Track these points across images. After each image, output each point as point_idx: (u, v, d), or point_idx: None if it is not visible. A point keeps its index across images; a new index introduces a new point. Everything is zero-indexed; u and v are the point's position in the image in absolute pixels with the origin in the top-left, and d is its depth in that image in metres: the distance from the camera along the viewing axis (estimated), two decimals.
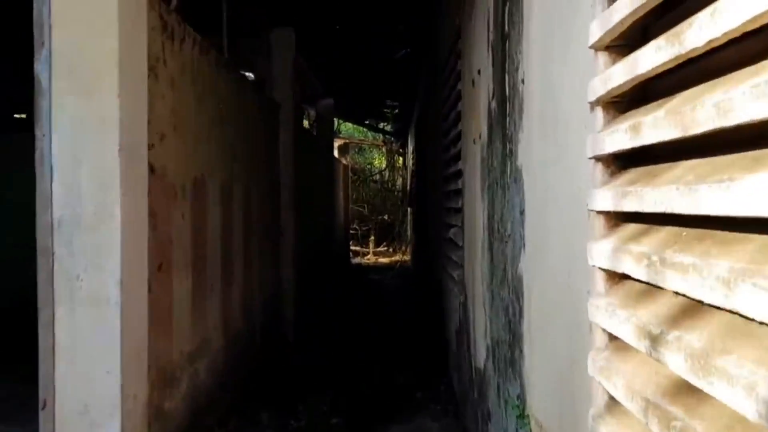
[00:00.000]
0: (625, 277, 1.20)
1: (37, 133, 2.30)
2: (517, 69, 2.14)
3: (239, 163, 4.48)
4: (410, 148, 13.02)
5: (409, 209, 13.17)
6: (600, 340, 1.30)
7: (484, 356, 2.93)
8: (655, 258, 0.98)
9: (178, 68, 3.20)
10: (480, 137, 3.00)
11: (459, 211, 3.86)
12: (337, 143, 14.78)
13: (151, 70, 2.83)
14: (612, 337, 1.24)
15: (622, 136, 1.13)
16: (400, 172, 16.90)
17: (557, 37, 1.64)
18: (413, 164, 11.07)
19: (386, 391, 4.78)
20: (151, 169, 2.85)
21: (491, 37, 2.66)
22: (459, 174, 3.89)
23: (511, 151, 2.25)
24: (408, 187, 12.86)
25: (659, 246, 1.02)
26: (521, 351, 2.10)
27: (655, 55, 1.01)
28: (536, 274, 1.89)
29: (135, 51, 2.43)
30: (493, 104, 2.62)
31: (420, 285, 8.82)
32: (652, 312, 1.04)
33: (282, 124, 6.10)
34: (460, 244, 3.79)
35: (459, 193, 3.88)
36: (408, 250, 13.76)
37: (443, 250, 4.85)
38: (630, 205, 1.07)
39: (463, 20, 3.63)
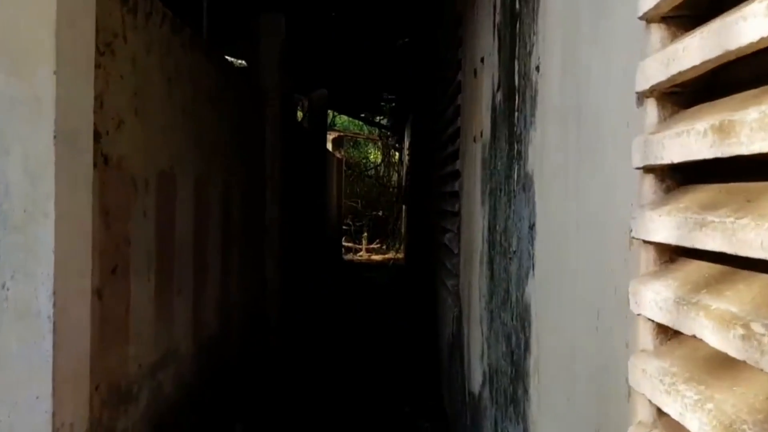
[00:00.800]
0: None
1: None
2: (529, 54, 1.79)
3: (218, 155, 4.11)
4: (406, 143, 12.66)
5: (403, 206, 12.82)
6: (645, 413, 0.95)
7: (480, 382, 2.59)
8: (760, 329, 0.64)
9: (143, 46, 2.83)
10: (481, 135, 2.65)
11: (455, 215, 3.51)
12: (331, 136, 14.41)
13: (107, 45, 2.46)
14: (662, 412, 0.90)
15: (696, 140, 0.78)
16: (396, 168, 16.54)
17: (587, 9, 1.29)
18: (408, 160, 10.72)
19: (372, 403, 4.44)
20: (104, 160, 2.48)
21: (497, 19, 2.30)
22: (456, 175, 3.54)
23: (519, 152, 1.90)
24: (403, 184, 12.50)
25: (759, 305, 0.68)
26: (526, 391, 1.75)
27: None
28: (549, 305, 1.54)
29: (80, 21, 2.06)
30: (499, 97, 2.27)
31: (413, 286, 8.48)
32: (741, 399, 0.70)
33: (269, 114, 5.73)
34: (456, 251, 3.44)
35: (456, 195, 3.53)
36: (402, 247, 13.41)
37: (437, 255, 4.50)
38: (713, 243, 0.72)
39: (464, 3, 3.28)
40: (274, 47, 5.76)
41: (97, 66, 2.37)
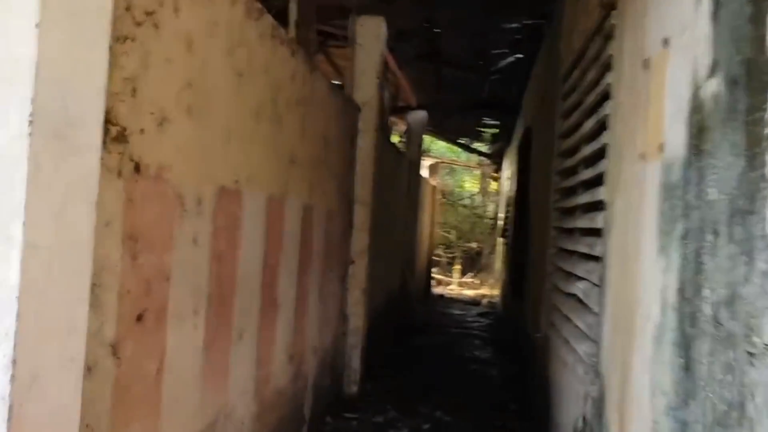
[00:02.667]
0: None
1: None
2: None
3: (298, 171, 3.46)
4: (506, 172, 11.76)
5: (501, 239, 11.88)
6: None
7: None
8: None
9: (204, 25, 2.20)
10: (660, 149, 1.82)
11: (596, 260, 2.66)
12: (427, 162, 13.73)
13: (148, 14, 1.83)
14: None
15: None
16: (492, 198, 15.60)
17: None
18: (509, 190, 9.82)
19: None
20: (135, 168, 1.84)
21: None
22: (598, 206, 2.69)
23: None
24: (503, 214, 11.58)
25: None
26: None
27: None
28: None
29: None
30: (712, 88, 1.44)
31: (509, 332, 7.54)
32: None
33: (362, 130, 5.07)
34: (596, 309, 2.58)
35: (596, 233, 2.68)
36: (496, 284, 12.42)
37: (558, 307, 3.62)
38: None
39: None
40: (373, 56, 5.12)
41: (130, 38, 1.74)
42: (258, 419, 3.06)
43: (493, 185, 15.41)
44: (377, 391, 5.29)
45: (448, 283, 14.28)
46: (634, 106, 2.17)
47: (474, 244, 15.77)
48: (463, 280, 14.77)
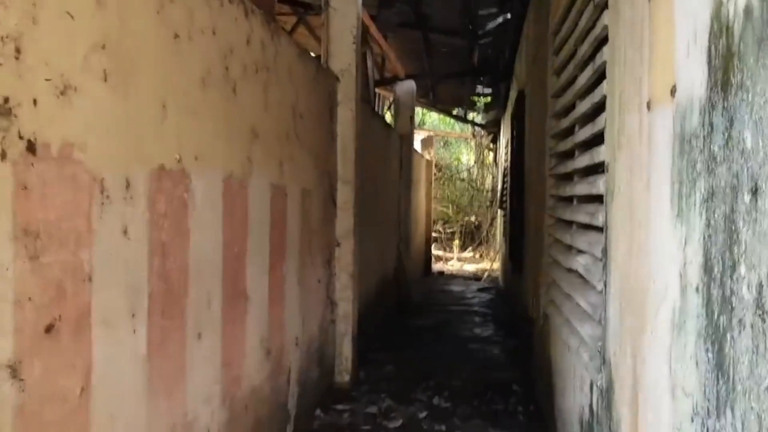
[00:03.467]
0: None
1: None
2: None
3: (262, 146, 3.10)
4: (502, 141, 11.38)
5: (499, 211, 11.54)
6: None
7: None
8: None
9: None
10: (672, 93, 1.47)
11: (598, 230, 2.32)
12: (420, 136, 13.34)
13: None
14: None
15: None
16: (490, 169, 15.22)
17: None
18: (506, 159, 9.45)
19: None
20: (29, 148, 1.50)
21: None
22: (598, 169, 2.35)
23: None
24: (499, 186, 11.24)
25: None
26: None
27: None
28: None
29: None
30: (734, 8, 1.09)
31: (511, 308, 7.23)
32: None
33: (341, 101, 4.70)
34: (600, 287, 2.25)
35: (598, 200, 2.34)
36: (497, 257, 12.11)
37: (558, 283, 3.29)
38: None
39: None
40: (349, 18, 4.73)
41: None
42: (228, 425, 2.75)
43: (490, 156, 15.03)
44: (371, 378, 4.99)
45: (448, 259, 13.97)
46: (637, 46, 1.82)
47: (473, 218, 15.42)
48: (464, 255, 14.46)
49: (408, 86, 8.72)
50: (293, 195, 3.66)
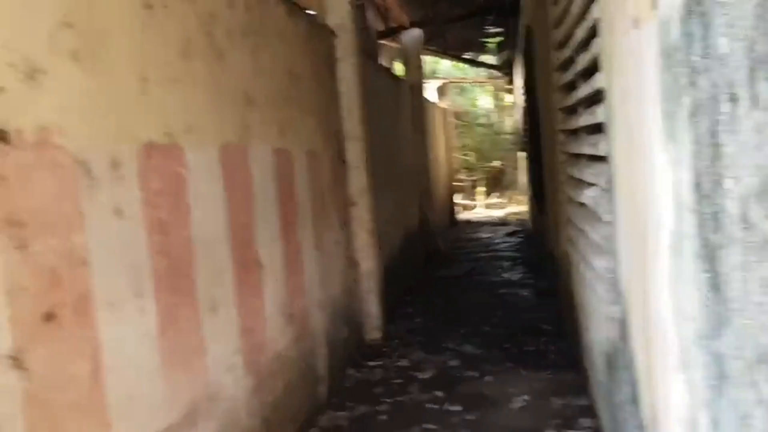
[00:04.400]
0: None
1: None
2: None
3: (258, 112, 3.06)
4: (517, 81, 11.12)
5: (522, 153, 11.37)
6: None
7: None
8: None
9: None
10: (654, 5, 1.38)
11: (601, 160, 2.24)
12: (433, 85, 13.12)
13: None
14: None
15: None
16: (509, 112, 14.94)
17: None
18: (524, 99, 9.25)
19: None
20: (1, 136, 1.48)
21: None
22: (597, 98, 2.26)
23: None
24: (520, 127, 11.03)
25: None
26: None
27: None
28: None
29: None
30: None
31: (539, 249, 7.17)
32: None
33: (340, 58, 4.61)
34: (606, 218, 2.18)
35: (599, 130, 2.26)
36: (523, 201, 11.99)
37: (570, 218, 3.23)
38: None
39: None
40: None
41: None
42: (256, 391, 2.79)
43: (508, 98, 14.74)
44: (402, 332, 5.02)
45: (473, 207, 13.88)
46: None
47: (496, 163, 15.24)
48: (489, 201, 14.34)
49: (415, 35, 8.53)
50: (299, 158, 3.63)
